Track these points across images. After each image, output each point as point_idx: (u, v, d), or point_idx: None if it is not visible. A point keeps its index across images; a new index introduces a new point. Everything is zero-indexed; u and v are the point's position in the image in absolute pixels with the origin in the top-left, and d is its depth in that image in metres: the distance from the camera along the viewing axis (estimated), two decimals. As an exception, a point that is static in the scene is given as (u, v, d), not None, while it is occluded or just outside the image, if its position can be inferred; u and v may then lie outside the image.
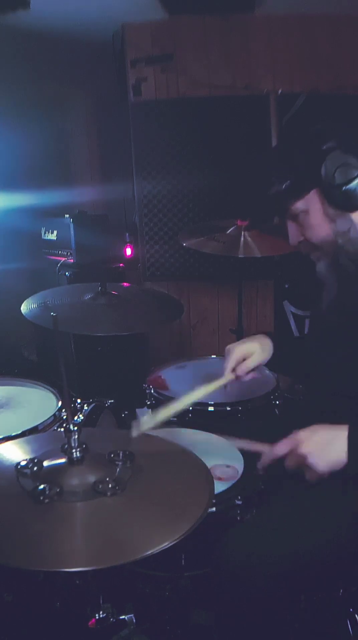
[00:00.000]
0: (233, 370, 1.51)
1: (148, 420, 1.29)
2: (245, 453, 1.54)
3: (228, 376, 1.51)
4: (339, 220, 1.30)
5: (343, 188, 1.23)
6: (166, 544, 0.87)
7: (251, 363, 1.50)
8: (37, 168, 3.47)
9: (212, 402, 1.84)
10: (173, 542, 0.88)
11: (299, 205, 1.31)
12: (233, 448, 1.58)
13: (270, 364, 1.62)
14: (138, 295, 2.17)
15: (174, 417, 1.41)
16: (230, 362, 1.51)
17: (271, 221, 3.24)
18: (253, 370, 1.53)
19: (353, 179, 1.23)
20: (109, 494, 0.96)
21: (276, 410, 1.90)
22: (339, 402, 1.37)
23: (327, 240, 1.32)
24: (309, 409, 1.51)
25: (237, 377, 1.52)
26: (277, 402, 1.91)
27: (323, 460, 1.19)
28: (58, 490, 0.96)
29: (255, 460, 1.44)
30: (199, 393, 1.45)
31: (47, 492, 0.95)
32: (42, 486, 0.96)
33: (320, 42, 3.16)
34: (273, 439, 1.58)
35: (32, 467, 1.01)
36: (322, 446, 1.20)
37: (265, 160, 1.45)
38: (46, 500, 0.95)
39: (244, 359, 1.51)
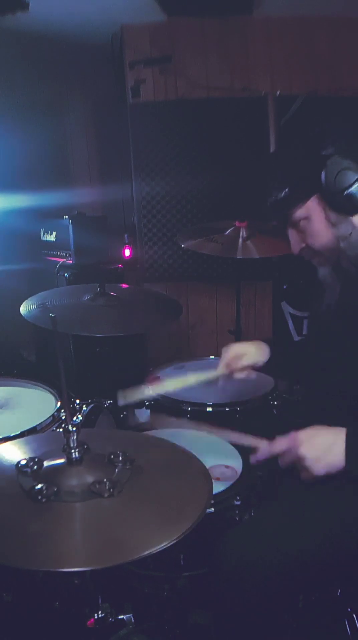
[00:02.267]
0: (228, 365, 1.53)
1: (134, 393, 1.31)
2: (243, 454, 1.54)
3: (221, 370, 1.53)
4: (341, 224, 1.30)
5: (345, 192, 1.23)
6: (164, 544, 0.87)
7: (245, 360, 1.53)
8: (36, 169, 3.47)
9: (210, 403, 1.85)
10: (172, 543, 0.88)
11: (300, 212, 1.31)
12: (232, 448, 1.58)
13: (269, 369, 1.63)
14: (136, 296, 2.17)
15: (159, 395, 1.44)
16: (225, 358, 1.53)
17: (270, 222, 3.25)
18: (247, 368, 1.54)
19: (354, 182, 1.22)
20: (105, 495, 0.96)
21: (274, 410, 1.91)
22: (337, 403, 1.37)
23: (329, 246, 1.32)
24: (307, 409, 1.52)
25: (230, 373, 1.53)
26: (275, 403, 1.92)
27: (321, 463, 1.20)
28: (55, 489, 0.96)
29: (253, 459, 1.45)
30: (191, 379, 1.48)
31: (44, 492, 0.95)
32: (39, 485, 0.96)
33: (318, 44, 3.17)
34: (271, 440, 1.60)
35: (33, 465, 1.02)
36: (321, 449, 1.21)
37: (263, 168, 1.46)
38: (44, 500, 0.95)
39: (239, 358, 1.53)
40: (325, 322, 1.43)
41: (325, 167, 1.23)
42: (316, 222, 1.31)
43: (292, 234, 1.38)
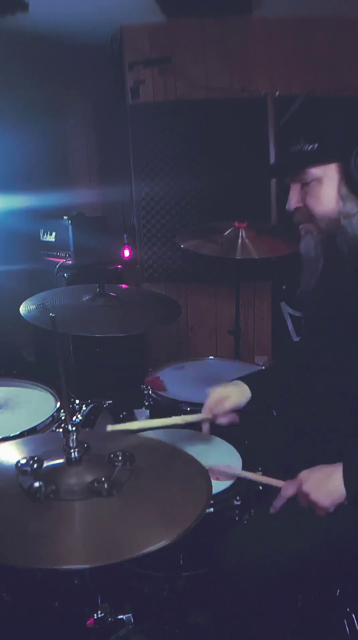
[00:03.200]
0: (210, 410, 1.51)
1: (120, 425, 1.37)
2: (244, 455, 1.54)
3: (205, 414, 1.51)
4: (348, 201, 1.28)
5: None
6: (163, 543, 0.88)
7: (227, 405, 1.50)
8: (35, 170, 3.48)
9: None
10: (171, 542, 0.88)
11: (316, 171, 1.29)
12: (231, 448, 1.58)
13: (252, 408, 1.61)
14: (136, 297, 2.17)
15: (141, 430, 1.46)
16: (209, 402, 1.51)
17: (269, 223, 3.26)
18: (230, 413, 1.51)
19: None
20: (104, 494, 0.96)
21: (274, 412, 1.91)
22: (336, 403, 1.37)
23: (329, 216, 1.31)
24: (306, 410, 1.51)
25: (214, 417, 1.51)
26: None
27: (324, 495, 1.21)
28: (54, 488, 0.97)
29: (253, 462, 1.46)
30: (174, 421, 1.49)
31: (42, 490, 0.96)
32: (38, 484, 0.97)
33: (317, 44, 3.17)
34: (270, 441, 1.60)
35: (33, 464, 1.02)
36: (321, 482, 1.22)
37: (297, 118, 1.44)
38: (42, 498, 0.95)
39: (221, 402, 1.51)
40: (307, 305, 1.43)
41: None
42: (327, 188, 1.29)
43: (295, 190, 1.35)
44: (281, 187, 3.26)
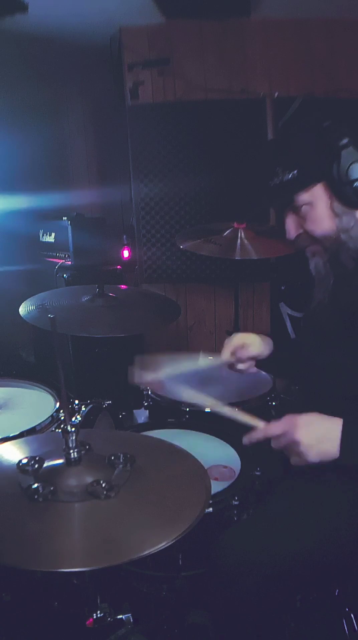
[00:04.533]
0: (232, 354, 1.52)
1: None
2: (242, 454, 1.55)
3: (225, 356, 1.52)
4: (344, 216, 1.29)
5: (355, 184, 1.23)
6: (163, 544, 0.88)
7: (250, 351, 1.52)
8: (35, 171, 3.48)
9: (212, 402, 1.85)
10: (170, 543, 0.88)
11: (304, 197, 1.30)
12: (230, 449, 1.59)
13: (268, 366, 1.63)
14: (135, 297, 2.18)
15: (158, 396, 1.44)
16: (230, 346, 1.53)
17: (268, 223, 3.26)
18: (250, 359, 1.52)
19: None
20: (102, 497, 0.96)
21: (272, 411, 1.91)
22: (335, 404, 1.38)
23: (329, 235, 1.31)
24: (305, 410, 1.52)
25: (234, 362, 1.52)
26: (273, 404, 1.93)
27: (315, 450, 1.19)
28: (52, 488, 0.97)
29: (252, 462, 1.46)
30: (194, 364, 1.49)
31: (40, 491, 0.96)
32: (36, 484, 0.97)
33: (315, 45, 3.17)
34: (269, 440, 1.60)
35: (34, 464, 1.02)
36: (316, 437, 1.20)
37: (270, 149, 1.44)
38: (40, 499, 0.95)
39: (244, 347, 1.53)
40: (318, 318, 1.42)
41: (339, 157, 1.22)
42: (320, 209, 1.30)
43: (291, 219, 1.36)
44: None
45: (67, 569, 0.86)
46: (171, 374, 1.52)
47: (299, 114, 3.18)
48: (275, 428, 1.24)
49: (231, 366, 1.59)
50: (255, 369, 1.60)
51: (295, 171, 1.27)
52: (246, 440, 1.27)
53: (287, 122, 3.18)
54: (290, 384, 2.06)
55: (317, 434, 1.20)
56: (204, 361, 1.54)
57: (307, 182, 1.28)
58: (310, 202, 1.30)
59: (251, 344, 1.55)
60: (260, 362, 1.61)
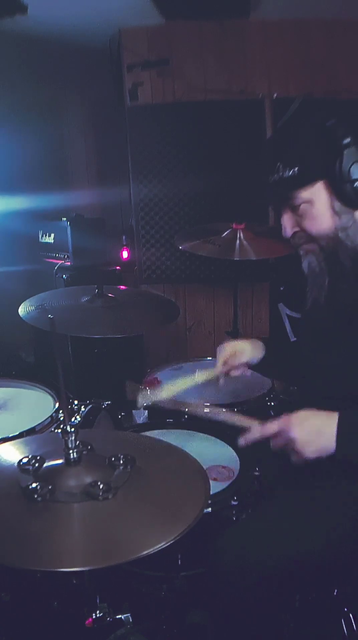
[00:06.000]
0: (225, 363, 1.53)
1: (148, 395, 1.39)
2: (240, 454, 1.55)
3: (219, 368, 1.54)
4: (343, 215, 1.28)
5: (356, 184, 1.22)
6: (162, 545, 0.88)
7: (242, 358, 1.54)
8: (34, 172, 3.48)
9: (207, 404, 1.86)
10: (169, 543, 0.89)
11: (304, 194, 1.28)
12: (229, 449, 1.59)
13: (264, 369, 1.63)
14: (134, 298, 2.18)
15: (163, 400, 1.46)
16: (222, 356, 1.54)
17: (267, 223, 3.27)
18: (243, 366, 1.54)
19: None
20: (99, 498, 0.96)
21: (271, 411, 1.92)
22: (333, 405, 1.38)
23: (327, 234, 1.30)
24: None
25: (228, 371, 1.53)
26: (272, 404, 1.93)
27: (312, 446, 1.19)
28: (50, 487, 0.97)
29: (250, 463, 1.46)
30: (190, 381, 1.50)
31: (40, 491, 0.96)
32: (35, 484, 0.97)
33: (314, 46, 3.18)
34: (268, 440, 1.60)
35: (33, 464, 1.03)
36: (312, 433, 1.20)
37: (271, 145, 1.43)
38: (39, 498, 0.96)
39: (236, 355, 1.54)
40: (316, 318, 1.41)
41: (341, 156, 1.21)
42: (319, 207, 1.29)
43: (288, 216, 1.34)
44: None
45: (66, 568, 0.87)
46: (172, 392, 1.54)
47: (298, 114, 3.18)
48: (271, 427, 1.24)
49: (226, 374, 1.59)
50: (249, 372, 1.60)
51: (296, 168, 1.26)
52: (242, 441, 1.27)
53: (287, 121, 3.18)
54: (288, 385, 2.06)
55: (312, 430, 1.20)
56: (201, 376, 1.55)
57: (308, 180, 1.27)
58: (309, 199, 1.29)
59: (242, 351, 1.55)
60: (256, 366, 1.61)
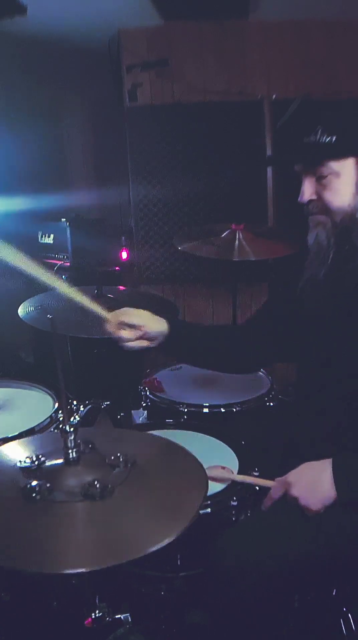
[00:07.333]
0: (114, 316, 1.46)
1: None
2: (240, 456, 1.55)
3: (109, 317, 1.47)
4: None
5: None
6: (161, 544, 0.88)
7: (131, 319, 1.47)
8: (33, 172, 3.48)
9: (207, 404, 1.86)
10: (168, 543, 0.89)
11: (334, 165, 1.27)
12: (228, 449, 1.59)
13: (169, 351, 1.58)
14: (133, 298, 2.18)
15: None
16: (116, 311, 1.47)
17: (266, 224, 3.27)
18: (135, 330, 1.46)
19: None
20: (97, 498, 0.96)
21: (270, 411, 1.92)
22: (331, 404, 1.38)
23: (345, 210, 1.29)
24: (301, 411, 1.52)
25: (117, 327, 1.46)
26: (271, 404, 1.93)
27: (314, 499, 1.22)
28: (50, 487, 0.97)
29: (250, 463, 1.46)
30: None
31: (39, 491, 0.96)
32: (35, 484, 0.97)
33: (314, 47, 3.18)
34: (267, 440, 1.60)
35: (33, 464, 1.03)
36: (310, 487, 1.23)
37: (315, 106, 1.42)
38: (38, 497, 0.96)
39: (126, 314, 1.48)
40: (309, 296, 1.39)
41: None
42: (345, 182, 1.27)
43: (309, 182, 1.32)
44: (278, 189, 3.28)
45: (66, 570, 0.86)
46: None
47: (297, 115, 3.18)
48: (276, 492, 1.29)
49: (116, 332, 1.50)
50: (146, 344, 1.52)
51: (334, 137, 1.24)
52: (264, 508, 1.33)
53: (285, 123, 3.19)
54: (288, 385, 2.04)
55: (309, 484, 1.23)
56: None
57: (343, 152, 1.26)
58: (337, 172, 1.27)
59: (137, 315, 1.48)
60: (163, 347, 1.53)
